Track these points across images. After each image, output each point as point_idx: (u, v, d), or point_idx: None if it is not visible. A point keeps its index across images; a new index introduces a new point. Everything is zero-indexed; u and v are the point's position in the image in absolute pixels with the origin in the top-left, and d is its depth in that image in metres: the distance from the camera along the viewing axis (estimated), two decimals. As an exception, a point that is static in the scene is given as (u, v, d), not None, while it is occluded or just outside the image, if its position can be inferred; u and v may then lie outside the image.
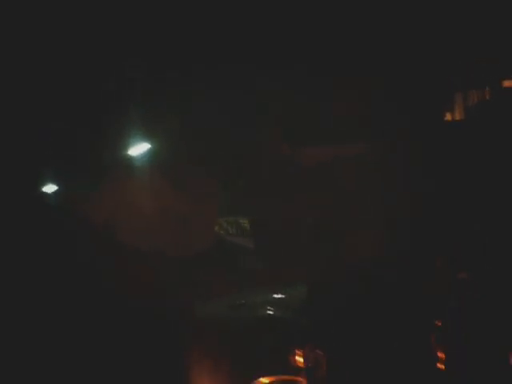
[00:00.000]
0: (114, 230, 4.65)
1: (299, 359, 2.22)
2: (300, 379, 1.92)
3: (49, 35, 4.85)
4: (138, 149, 5.27)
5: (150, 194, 4.87)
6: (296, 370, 2.13)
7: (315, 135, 5.01)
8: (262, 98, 4.94)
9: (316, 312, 3.24)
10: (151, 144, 5.25)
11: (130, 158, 5.24)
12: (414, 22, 5.18)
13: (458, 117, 5.90)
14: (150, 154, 5.19)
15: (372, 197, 4.48)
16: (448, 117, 5.95)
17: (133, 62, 5.04)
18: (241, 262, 4.93)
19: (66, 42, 4.88)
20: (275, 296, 4.48)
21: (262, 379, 1.91)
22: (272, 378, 1.92)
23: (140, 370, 3.32)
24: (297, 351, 2.22)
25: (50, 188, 5.28)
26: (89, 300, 4.09)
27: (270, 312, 4.31)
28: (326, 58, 4.95)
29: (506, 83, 5.44)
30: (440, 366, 1.98)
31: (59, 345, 3.86)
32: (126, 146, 5.28)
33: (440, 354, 2.00)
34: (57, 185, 5.31)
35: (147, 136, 5.22)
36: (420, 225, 4.11)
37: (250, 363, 2.79)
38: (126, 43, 4.98)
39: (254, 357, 3.03)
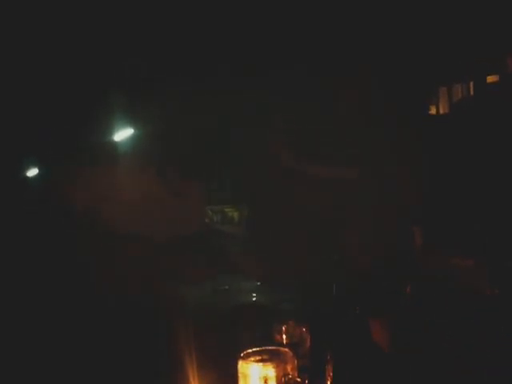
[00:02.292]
0: (98, 214, 4.61)
1: (282, 335, 2.22)
2: (287, 349, 1.92)
3: (31, 18, 4.80)
4: (122, 134, 5.24)
5: (135, 180, 4.84)
6: (279, 346, 2.13)
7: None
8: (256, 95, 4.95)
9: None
10: (135, 129, 5.23)
11: (114, 143, 5.21)
12: (395, 18, 5.23)
13: (442, 111, 5.98)
14: (135, 140, 5.17)
15: (366, 196, 4.49)
16: (432, 111, 6.02)
17: (119, 47, 5.01)
18: (225, 248, 4.92)
19: (48, 26, 4.84)
20: (259, 283, 4.49)
21: (250, 350, 1.92)
22: (260, 349, 1.93)
23: (128, 352, 3.30)
24: (280, 327, 2.22)
25: (32, 172, 5.22)
26: (71, 287, 4.05)
27: (254, 298, 4.31)
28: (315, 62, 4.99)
29: (490, 78, 5.52)
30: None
31: (39, 333, 3.81)
32: (109, 131, 5.24)
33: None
34: (39, 169, 5.26)
35: (131, 121, 5.20)
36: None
37: (236, 343, 2.80)
38: (112, 29, 4.96)
39: (240, 337, 3.04)
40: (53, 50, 4.94)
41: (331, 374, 1.90)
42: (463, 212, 3.32)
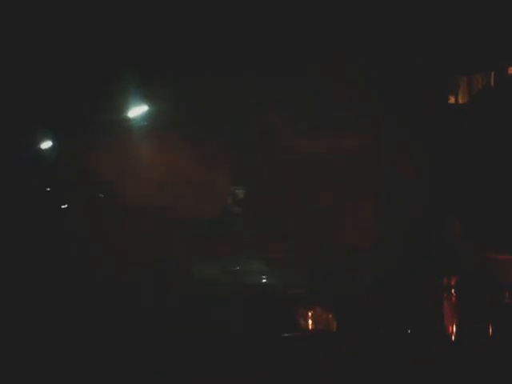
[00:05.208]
0: (112, 189, 4.57)
1: (308, 321, 2.17)
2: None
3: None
4: (136, 111, 5.19)
5: (148, 156, 4.78)
6: (304, 332, 2.09)
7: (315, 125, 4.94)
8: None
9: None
10: (150, 106, 5.17)
11: (128, 120, 5.15)
12: (417, 6, 5.13)
13: (461, 101, 5.87)
14: (149, 117, 5.11)
15: (369, 183, 4.43)
16: (451, 100, 5.91)
17: (133, 24, 4.93)
18: (236, 229, 4.89)
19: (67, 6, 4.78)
20: (267, 265, 4.45)
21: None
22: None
23: (140, 327, 3.27)
24: (306, 312, 2.17)
25: (46, 145, 5.17)
26: (86, 258, 4.03)
27: (264, 280, 4.29)
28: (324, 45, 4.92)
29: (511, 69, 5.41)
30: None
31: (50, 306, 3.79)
32: (124, 108, 5.18)
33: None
34: (54, 143, 5.21)
35: (146, 98, 5.13)
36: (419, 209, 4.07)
37: (254, 326, 2.76)
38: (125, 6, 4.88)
39: (259, 319, 3.01)
40: (68, 30, 4.86)
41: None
42: (496, 206, 3.27)
